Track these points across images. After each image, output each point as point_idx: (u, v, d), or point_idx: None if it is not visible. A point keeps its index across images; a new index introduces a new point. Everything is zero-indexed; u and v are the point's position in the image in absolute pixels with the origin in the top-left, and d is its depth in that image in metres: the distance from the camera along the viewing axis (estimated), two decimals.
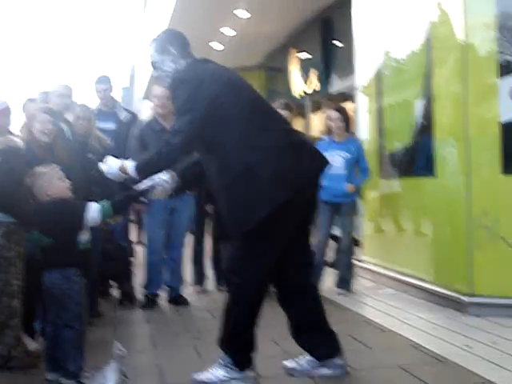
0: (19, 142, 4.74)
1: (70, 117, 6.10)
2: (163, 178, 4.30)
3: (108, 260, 6.42)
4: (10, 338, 4.53)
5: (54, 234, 4.25)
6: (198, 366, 4.53)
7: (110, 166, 4.30)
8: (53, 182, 4.34)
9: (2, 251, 4.50)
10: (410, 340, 4.94)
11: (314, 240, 7.11)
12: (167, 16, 12.92)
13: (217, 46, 14.66)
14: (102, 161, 5.96)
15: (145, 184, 4.30)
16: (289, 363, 4.33)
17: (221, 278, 7.41)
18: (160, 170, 4.23)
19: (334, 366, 4.21)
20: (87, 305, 5.00)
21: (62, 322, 4.19)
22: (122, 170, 4.21)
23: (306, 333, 4.26)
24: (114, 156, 4.52)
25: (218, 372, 4.11)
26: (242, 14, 12.25)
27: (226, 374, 4.10)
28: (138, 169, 4.13)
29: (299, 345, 4.28)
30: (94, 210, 4.26)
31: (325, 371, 4.20)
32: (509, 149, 5.74)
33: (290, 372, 4.27)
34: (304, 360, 4.28)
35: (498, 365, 4.32)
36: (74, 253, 4.23)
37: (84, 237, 4.27)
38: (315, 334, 4.25)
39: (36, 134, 5.01)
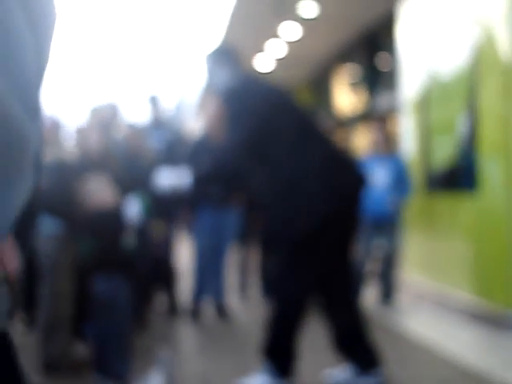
0: (69, 154, 4.94)
1: (117, 134, 6.28)
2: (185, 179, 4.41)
3: (156, 269, 6.58)
4: (60, 341, 4.70)
5: (98, 236, 4.44)
6: (240, 374, 4.64)
7: (164, 177, 4.43)
8: (101, 192, 4.51)
9: (54, 255, 4.69)
10: (451, 355, 4.98)
11: (356, 253, 7.20)
12: (219, 32, 13.12)
13: (265, 63, 14.82)
14: (151, 174, 6.17)
15: (169, 182, 4.40)
16: (331, 373, 4.41)
17: (266, 289, 7.52)
18: (213, 182, 4.42)
19: (374, 375, 4.29)
20: (135, 312, 5.19)
21: (108, 327, 4.35)
22: (175, 182, 4.36)
23: (349, 343, 4.35)
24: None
25: (260, 379, 4.23)
26: (292, 31, 12.40)
27: (268, 381, 4.21)
28: (193, 182, 4.30)
29: (342, 355, 4.37)
30: (131, 203, 4.40)
31: (366, 380, 4.28)
32: None
33: (333, 381, 4.35)
34: (346, 369, 4.37)
35: None
36: (119, 254, 4.38)
37: (129, 239, 4.41)
38: (357, 344, 4.34)
39: (93, 144, 5.17)
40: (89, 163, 4.96)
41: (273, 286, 4.36)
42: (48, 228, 4.70)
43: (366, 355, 4.33)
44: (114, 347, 4.34)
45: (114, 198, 4.58)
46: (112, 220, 4.46)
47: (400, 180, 7.11)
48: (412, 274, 8.05)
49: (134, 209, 4.38)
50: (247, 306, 7.36)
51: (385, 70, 11.99)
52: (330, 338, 4.38)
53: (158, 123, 7.37)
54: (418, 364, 4.81)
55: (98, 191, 4.52)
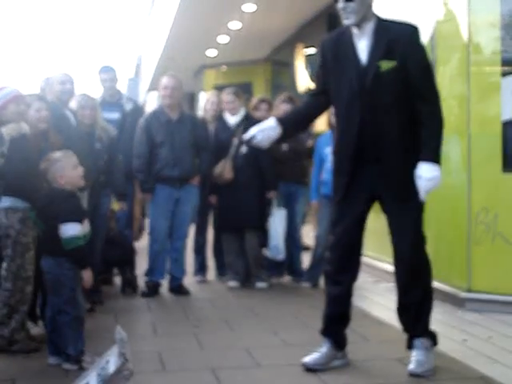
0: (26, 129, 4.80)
1: (73, 105, 6.14)
2: (270, 124, 4.29)
3: (111, 247, 6.50)
4: (16, 322, 4.60)
5: (45, 221, 4.35)
6: (197, 353, 4.62)
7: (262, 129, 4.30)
8: (66, 170, 4.41)
9: (19, 236, 4.58)
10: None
11: (315, 233, 7.19)
12: (174, 8, 12.96)
13: (223, 39, 14.71)
14: (107, 151, 6.08)
15: (251, 131, 4.29)
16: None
17: (222, 269, 7.48)
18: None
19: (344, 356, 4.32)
20: (90, 291, 5.11)
21: (57, 306, 4.29)
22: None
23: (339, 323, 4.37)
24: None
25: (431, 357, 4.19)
26: (249, 7, 12.30)
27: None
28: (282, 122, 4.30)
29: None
30: (73, 228, 4.31)
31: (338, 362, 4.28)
32: (510, 147, 5.80)
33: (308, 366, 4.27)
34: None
35: (494, 360, 4.39)
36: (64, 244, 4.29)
37: (73, 231, 4.30)
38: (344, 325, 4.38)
39: (32, 121, 5.03)
40: (31, 138, 4.81)
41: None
42: (9, 202, 4.58)
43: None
44: (67, 328, 4.28)
45: (78, 175, 4.48)
46: (70, 205, 4.36)
47: None
48: (370, 254, 8.07)
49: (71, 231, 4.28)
50: (204, 286, 7.32)
51: None
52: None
53: (113, 96, 7.24)
54: (376, 342, 4.82)
55: (65, 170, 4.42)
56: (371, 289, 7.06)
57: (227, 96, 7.19)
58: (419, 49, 4.07)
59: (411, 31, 4.09)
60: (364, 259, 8.03)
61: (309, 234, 8.41)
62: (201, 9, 12.35)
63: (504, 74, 5.84)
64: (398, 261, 4.22)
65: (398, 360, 4.35)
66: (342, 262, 4.24)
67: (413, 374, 4.06)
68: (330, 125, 7.18)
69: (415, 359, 4.15)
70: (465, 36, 6.00)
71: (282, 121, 4.30)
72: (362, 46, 4.08)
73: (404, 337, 4.33)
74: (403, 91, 4.02)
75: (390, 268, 7.33)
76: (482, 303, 5.82)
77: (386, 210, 4.26)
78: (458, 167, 6.10)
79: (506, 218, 5.82)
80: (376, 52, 4.03)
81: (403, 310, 4.27)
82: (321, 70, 4.28)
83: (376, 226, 7.98)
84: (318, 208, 7.11)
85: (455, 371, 4.15)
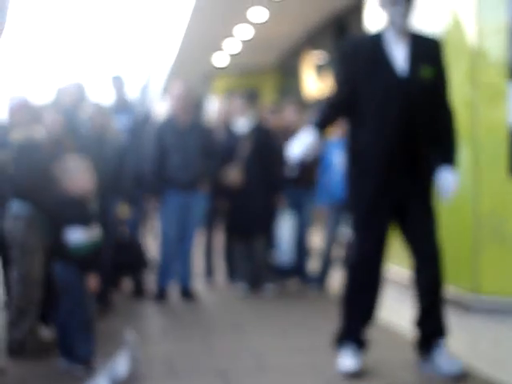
0: (39, 135, 4.88)
1: (83, 114, 6.24)
2: (309, 135, 4.23)
3: (123, 252, 6.56)
4: (26, 325, 4.66)
5: (53, 225, 4.42)
6: (206, 357, 4.66)
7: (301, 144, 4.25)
8: (77, 175, 4.47)
9: (26, 240, 4.64)
10: (411, 337, 5.03)
11: (323, 237, 7.23)
12: (186, 17, 13.04)
13: (233, 45, 14.77)
14: (117, 156, 6.15)
15: (296, 150, 4.23)
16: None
17: (231, 272, 7.53)
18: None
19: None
20: (100, 295, 5.17)
21: (66, 309, 4.35)
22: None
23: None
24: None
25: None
26: (261, 15, 12.35)
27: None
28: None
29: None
30: (78, 233, 4.37)
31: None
32: None
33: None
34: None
35: (502, 363, 4.41)
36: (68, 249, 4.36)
37: (78, 236, 4.36)
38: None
39: (46, 127, 5.12)
40: (46, 147, 4.89)
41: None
42: (16, 208, 4.66)
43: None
44: (76, 331, 4.34)
45: (91, 183, 4.54)
46: (76, 211, 4.42)
47: None
48: None
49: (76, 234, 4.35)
50: (213, 290, 7.37)
51: None
52: None
53: (123, 104, 7.33)
54: (382, 346, 4.84)
55: (76, 175, 4.48)
56: None
57: (237, 101, 7.26)
58: (445, 60, 4.33)
59: (441, 43, 4.35)
60: None
61: (316, 239, 8.44)
62: (214, 16, 12.42)
63: (510, 79, 5.87)
64: (427, 264, 4.27)
65: (402, 363, 4.37)
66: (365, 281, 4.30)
67: (451, 376, 4.10)
68: (339, 130, 7.23)
69: (447, 359, 4.17)
70: (472, 42, 6.04)
71: (317, 126, 4.26)
72: (400, 52, 4.21)
73: (408, 341, 4.35)
74: (434, 98, 4.24)
75: (400, 271, 7.39)
76: (489, 306, 5.85)
77: (410, 216, 4.28)
78: (465, 172, 6.13)
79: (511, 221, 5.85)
80: (418, 58, 4.20)
81: (430, 313, 4.28)
82: (350, 72, 4.27)
83: None
84: (326, 213, 7.16)
85: (464, 374, 4.17)
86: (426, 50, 4.26)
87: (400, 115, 4.14)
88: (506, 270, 5.86)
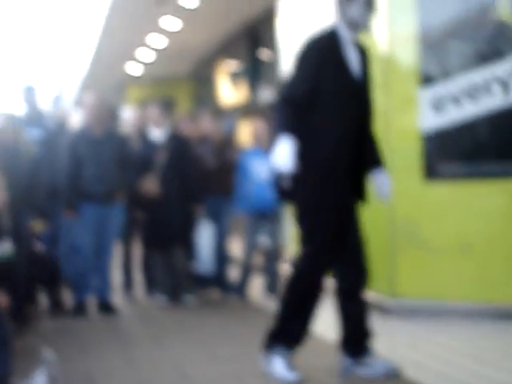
0: None
1: None
2: (288, 144, 4.00)
3: (37, 267, 6.40)
4: None
5: None
6: (127, 371, 4.59)
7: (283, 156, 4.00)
8: None
9: None
10: (334, 343, 5.06)
11: (242, 246, 7.24)
12: (98, 27, 12.89)
13: (147, 55, 14.68)
14: (29, 168, 6.01)
15: (282, 163, 3.97)
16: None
17: (150, 285, 7.44)
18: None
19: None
20: (17, 311, 5.03)
21: None
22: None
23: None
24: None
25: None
26: (174, 25, 12.31)
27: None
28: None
29: None
30: None
31: None
32: (429, 157, 5.97)
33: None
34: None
35: (419, 365, 4.48)
36: None
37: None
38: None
39: None
40: None
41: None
42: None
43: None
44: None
45: (3, 197, 4.42)
46: None
47: None
48: None
49: None
50: (132, 303, 7.28)
51: (267, 64, 12.08)
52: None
53: (35, 116, 7.17)
54: (304, 352, 4.86)
55: None
56: None
57: (153, 110, 7.19)
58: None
59: (367, 49, 4.38)
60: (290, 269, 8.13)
61: (235, 248, 8.44)
62: (123, 26, 12.31)
63: (422, 86, 6.00)
64: (357, 270, 4.29)
65: (327, 369, 4.40)
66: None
67: (393, 372, 4.20)
68: (254, 138, 7.26)
69: (379, 359, 4.27)
70: (383, 50, 6.14)
71: (290, 133, 4.03)
72: (353, 53, 4.24)
73: (331, 346, 4.39)
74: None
75: None
76: (406, 310, 5.95)
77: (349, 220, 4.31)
78: None
79: (428, 226, 5.97)
80: (361, 62, 4.27)
81: (362, 316, 4.32)
82: (314, 69, 4.13)
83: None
84: (244, 221, 7.17)
85: (382, 377, 4.21)
86: (363, 54, 4.31)
87: (357, 116, 4.20)
88: (422, 273, 5.97)
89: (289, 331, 4.23)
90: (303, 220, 4.26)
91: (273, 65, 10.42)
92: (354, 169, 4.21)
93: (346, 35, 4.21)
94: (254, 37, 12.70)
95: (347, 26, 4.21)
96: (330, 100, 4.14)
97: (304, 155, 4.08)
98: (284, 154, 3.95)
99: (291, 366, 4.18)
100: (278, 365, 4.18)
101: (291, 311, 4.23)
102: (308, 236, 4.22)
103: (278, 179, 4.13)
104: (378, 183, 4.34)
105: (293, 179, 4.04)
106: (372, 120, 4.35)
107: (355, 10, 4.17)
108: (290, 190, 4.12)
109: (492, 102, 5.86)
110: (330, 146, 4.14)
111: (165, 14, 11.76)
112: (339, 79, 4.15)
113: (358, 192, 4.27)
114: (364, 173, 4.29)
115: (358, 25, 4.21)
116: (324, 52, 4.16)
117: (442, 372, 4.30)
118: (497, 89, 5.82)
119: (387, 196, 4.36)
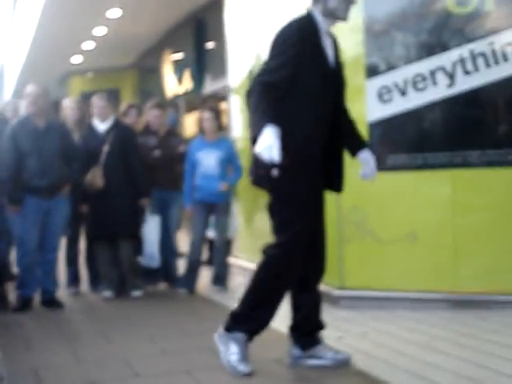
0: None
1: None
2: (272, 132, 3.78)
3: None
4: None
5: None
6: (74, 367, 4.51)
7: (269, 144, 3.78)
8: None
9: None
10: (285, 334, 5.06)
11: (190, 239, 7.18)
12: (37, 13, 12.64)
13: (89, 45, 14.47)
14: None
15: (269, 153, 3.76)
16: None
17: (95, 280, 7.34)
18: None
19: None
20: None
21: None
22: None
23: None
24: None
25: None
26: (114, 13, 12.15)
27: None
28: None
29: None
30: None
31: None
32: (375, 147, 5.97)
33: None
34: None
35: (370, 355, 4.50)
36: None
37: None
38: None
39: None
40: None
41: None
42: None
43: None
44: None
45: None
46: None
47: (230, 163, 7.15)
48: (245, 257, 8.14)
49: None
50: (78, 298, 7.17)
51: (213, 54, 12.01)
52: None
53: None
54: (255, 344, 4.84)
55: None
56: None
57: (98, 101, 7.07)
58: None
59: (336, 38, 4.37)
60: (238, 261, 8.13)
61: (183, 241, 8.39)
62: (65, 14, 12.11)
63: (368, 77, 6.02)
64: (316, 262, 4.30)
65: (277, 361, 4.39)
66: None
67: (344, 362, 4.23)
68: (200, 129, 7.20)
69: (330, 350, 4.29)
70: None
71: (272, 121, 3.84)
72: (328, 41, 4.22)
73: (281, 337, 4.38)
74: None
75: None
76: (355, 300, 5.98)
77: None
78: None
79: (375, 216, 6.00)
80: (336, 51, 4.28)
81: (315, 308, 4.34)
82: (294, 54, 4.00)
83: (252, 227, 8.09)
84: (192, 214, 7.12)
85: (333, 367, 4.23)
86: (334, 42, 4.31)
87: (332, 104, 4.20)
88: (371, 264, 6.01)
89: (253, 318, 4.18)
90: (281, 208, 4.15)
91: (220, 55, 10.35)
92: (328, 158, 4.21)
93: (321, 23, 4.18)
94: (200, 27, 12.61)
95: (324, 15, 4.18)
96: (307, 86, 4.06)
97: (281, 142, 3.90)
98: (269, 143, 3.74)
99: (245, 355, 4.16)
100: (233, 353, 4.16)
101: (260, 298, 4.17)
102: (284, 224, 4.12)
103: (258, 167, 4.05)
104: (363, 164, 4.36)
105: (270, 167, 3.93)
106: (346, 107, 4.40)
107: (335, 0, 4.14)
108: (266, 177, 4.03)
109: (437, 92, 5.90)
110: (306, 133, 4.06)
111: (107, 3, 11.60)
112: (317, 66, 4.11)
113: (329, 181, 4.28)
114: (337, 163, 4.28)
115: (336, 15, 4.18)
116: (304, 37, 4.07)
117: (391, 361, 4.33)
118: (442, 79, 5.86)
119: (373, 176, 4.37)
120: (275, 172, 3.94)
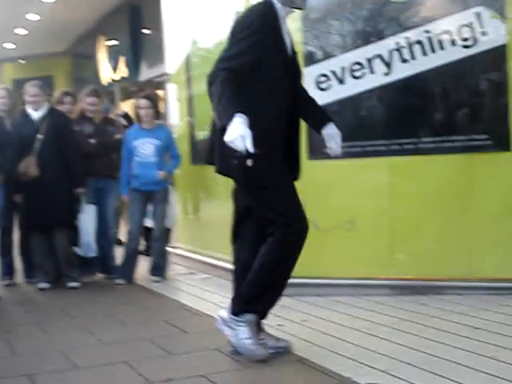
0: None
1: None
2: (242, 121, 3.68)
3: None
4: None
5: None
6: (10, 361, 4.42)
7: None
8: None
9: None
10: None
11: (127, 228, 7.10)
12: None
13: (21, 31, 14.17)
14: None
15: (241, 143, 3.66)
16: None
17: (30, 270, 7.20)
18: None
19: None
20: None
21: None
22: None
23: None
24: None
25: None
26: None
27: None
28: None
29: None
30: None
31: None
32: (312, 136, 5.97)
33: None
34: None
35: (310, 342, 4.51)
36: None
37: None
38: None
39: None
40: None
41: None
42: None
43: None
44: None
45: None
46: None
47: (168, 151, 7.08)
48: (184, 246, 8.10)
49: None
50: (12, 289, 7.02)
51: (149, 41, 11.89)
52: None
53: None
54: (195, 333, 4.83)
55: None
56: (185, 280, 7.07)
57: (31, 89, 6.91)
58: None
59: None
60: (177, 251, 8.08)
61: (120, 229, 8.29)
62: None
63: (306, 65, 6.01)
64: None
65: (218, 349, 4.36)
66: None
67: (285, 350, 4.24)
68: (137, 118, 7.11)
69: (271, 338, 4.29)
70: None
71: (239, 109, 3.73)
72: (285, 27, 4.17)
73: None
74: None
75: (204, 259, 7.41)
76: (294, 288, 5.95)
77: None
78: None
79: (314, 204, 5.99)
80: (290, 38, 4.26)
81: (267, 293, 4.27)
82: (258, 39, 3.93)
83: (190, 216, 8.04)
84: (129, 202, 7.03)
85: (274, 355, 4.21)
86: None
87: (291, 91, 4.17)
88: (310, 251, 5.97)
89: (265, 298, 4.18)
90: (267, 195, 4.11)
91: (156, 42, 10.24)
92: (288, 144, 4.20)
93: (280, 10, 4.12)
94: (135, 13, 12.47)
95: (282, 3, 4.12)
96: (268, 74, 4.01)
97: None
98: (241, 133, 3.62)
99: (258, 339, 4.13)
100: (248, 338, 4.10)
101: (273, 278, 4.18)
102: (272, 211, 4.11)
103: (227, 157, 3.94)
104: (327, 140, 4.34)
105: (244, 157, 3.82)
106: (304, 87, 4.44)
107: None
108: (240, 167, 3.93)
109: (375, 80, 5.93)
110: (268, 121, 4.00)
111: None
112: (277, 53, 4.07)
113: (289, 169, 4.26)
114: (295, 151, 4.28)
115: (294, 3, 4.14)
116: (265, 24, 4.01)
117: (332, 349, 4.33)
118: (379, 67, 5.89)
119: (338, 151, 4.37)
120: (249, 162, 3.89)
